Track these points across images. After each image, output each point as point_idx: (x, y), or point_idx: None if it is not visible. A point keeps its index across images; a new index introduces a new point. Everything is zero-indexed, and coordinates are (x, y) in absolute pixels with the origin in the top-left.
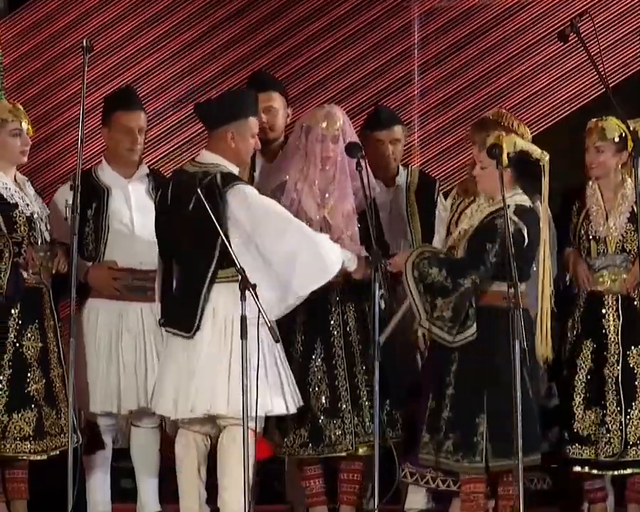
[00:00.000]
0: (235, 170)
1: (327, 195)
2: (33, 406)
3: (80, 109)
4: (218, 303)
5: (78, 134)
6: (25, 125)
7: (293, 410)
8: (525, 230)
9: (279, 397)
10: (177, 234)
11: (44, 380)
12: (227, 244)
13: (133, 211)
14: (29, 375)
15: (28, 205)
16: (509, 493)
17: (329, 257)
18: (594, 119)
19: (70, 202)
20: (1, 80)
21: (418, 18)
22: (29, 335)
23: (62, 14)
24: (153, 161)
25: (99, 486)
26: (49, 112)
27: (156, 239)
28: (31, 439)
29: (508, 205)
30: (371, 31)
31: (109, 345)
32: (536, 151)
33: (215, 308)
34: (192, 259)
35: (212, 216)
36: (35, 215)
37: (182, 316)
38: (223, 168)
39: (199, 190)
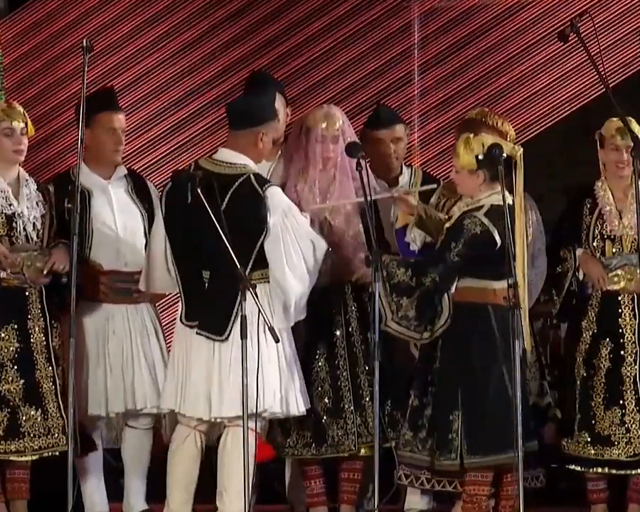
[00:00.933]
0: (257, 169)
1: (328, 195)
2: (3, 406)
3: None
4: (251, 305)
5: (78, 134)
6: (18, 124)
7: (302, 412)
8: (496, 232)
9: (291, 397)
10: (203, 236)
11: (22, 381)
12: (227, 243)
13: (115, 213)
14: (1, 375)
15: (11, 205)
16: (509, 493)
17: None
18: (615, 119)
19: (68, 204)
20: (1, 79)
21: (418, 18)
22: (3, 335)
23: (62, 14)
24: (153, 161)
25: (95, 487)
26: (49, 111)
27: (167, 239)
28: (1, 439)
29: (482, 205)
30: (371, 31)
31: (95, 348)
32: (507, 148)
33: (249, 310)
34: (224, 261)
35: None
36: (20, 215)
37: (215, 319)
38: (252, 169)
39: (234, 190)
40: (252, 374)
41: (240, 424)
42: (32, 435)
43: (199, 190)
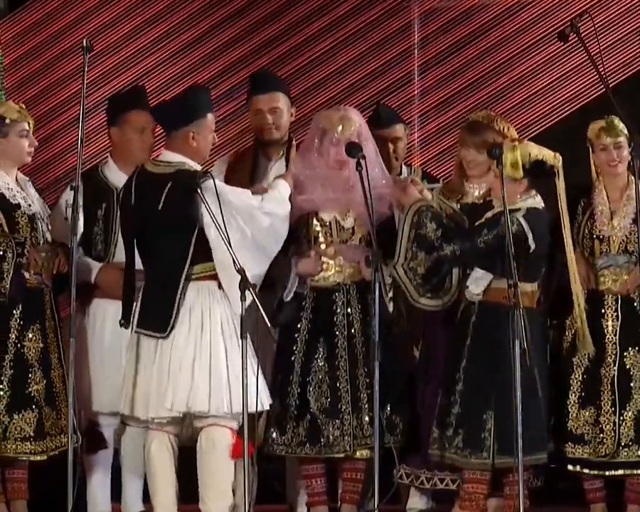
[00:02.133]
0: (198, 167)
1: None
2: (33, 407)
3: (79, 109)
4: (193, 301)
5: (78, 134)
6: (31, 125)
7: (267, 407)
8: (531, 234)
9: (219, 395)
10: (146, 234)
11: (45, 381)
12: (227, 243)
13: None
14: (30, 375)
15: (30, 205)
16: (513, 493)
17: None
18: (602, 120)
19: (71, 202)
20: (1, 79)
21: (418, 18)
22: (30, 335)
23: (62, 14)
24: None
25: (99, 486)
26: (49, 111)
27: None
28: (32, 439)
29: (519, 209)
30: (371, 31)
31: (117, 346)
32: (549, 157)
33: (190, 306)
34: (165, 258)
35: (210, 212)
36: (37, 216)
37: (156, 316)
38: (190, 167)
39: (169, 189)
40: (200, 372)
41: (215, 424)
42: (51, 435)
43: (198, 190)
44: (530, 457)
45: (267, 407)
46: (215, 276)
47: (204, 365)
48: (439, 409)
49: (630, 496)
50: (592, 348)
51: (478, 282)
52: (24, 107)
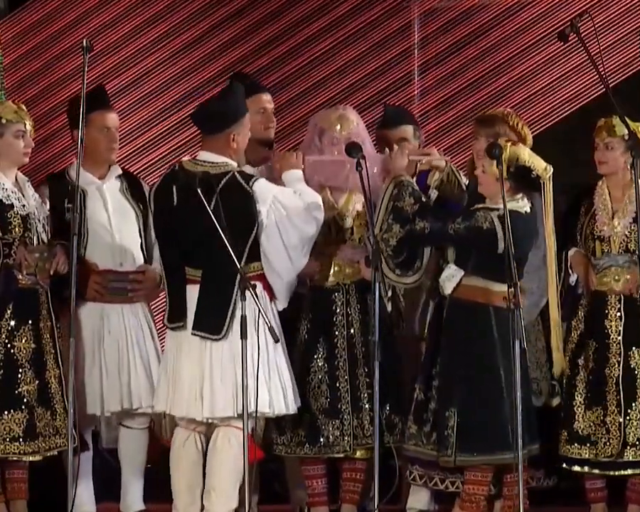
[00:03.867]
0: (235, 165)
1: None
2: (23, 407)
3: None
4: (244, 301)
5: (78, 134)
6: (28, 126)
7: (293, 410)
8: (503, 237)
9: (280, 397)
10: (194, 235)
11: (37, 381)
12: (227, 243)
13: (110, 212)
14: (20, 376)
15: (24, 205)
16: (512, 493)
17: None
18: (603, 118)
19: (68, 204)
20: (1, 79)
21: (418, 18)
22: (21, 336)
23: (62, 14)
24: (153, 161)
25: (83, 487)
26: (49, 111)
27: (157, 241)
28: (21, 439)
29: (498, 208)
30: (371, 31)
31: (91, 348)
32: (539, 167)
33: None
34: (218, 259)
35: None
36: (32, 216)
37: (211, 318)
38: (235, 166)
39: (221, 190)
40: (249, 374)
41: (230, 425)
42: (44, 436)
43: (199, 190)
44: (492, 456)
45: (295, 410)
46: (259, 277)
47: (264, 368)
48: (416, 405)
49: (631, 496)
50: (561, 369)
51: (449, 278)
52: (24, 107)
